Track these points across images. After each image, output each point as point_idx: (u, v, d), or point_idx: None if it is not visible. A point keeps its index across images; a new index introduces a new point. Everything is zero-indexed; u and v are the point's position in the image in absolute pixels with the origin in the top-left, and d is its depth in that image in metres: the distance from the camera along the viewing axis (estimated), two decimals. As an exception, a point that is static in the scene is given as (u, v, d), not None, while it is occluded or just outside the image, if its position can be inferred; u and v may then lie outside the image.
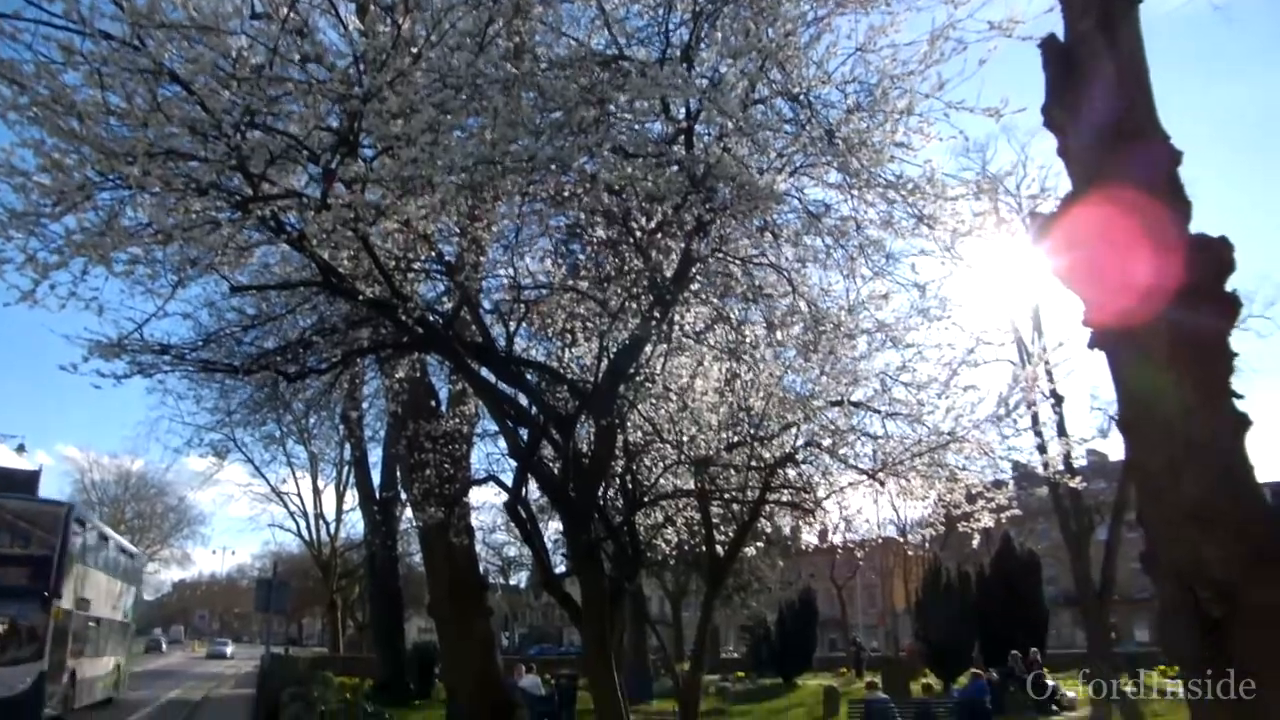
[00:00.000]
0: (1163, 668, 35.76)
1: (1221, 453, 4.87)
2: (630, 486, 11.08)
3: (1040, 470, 17.51)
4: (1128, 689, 30.15)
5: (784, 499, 10.95)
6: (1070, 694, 26.63)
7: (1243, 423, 4.98)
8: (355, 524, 53.86)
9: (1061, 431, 39.32)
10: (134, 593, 31.92)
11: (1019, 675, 25.96)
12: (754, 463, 10.49)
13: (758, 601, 40.32)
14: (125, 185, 5.89)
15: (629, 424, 11.00)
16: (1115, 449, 39.51)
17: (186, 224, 6.25)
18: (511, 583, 74.61)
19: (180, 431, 51.20)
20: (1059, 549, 44.56)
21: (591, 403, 9.34)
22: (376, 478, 29.15)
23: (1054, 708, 24.43)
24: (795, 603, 38.12)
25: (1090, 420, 40.17)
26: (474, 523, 18.89)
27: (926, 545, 60.37)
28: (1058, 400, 38.53)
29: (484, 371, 9.90)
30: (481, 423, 13.36)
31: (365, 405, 22.75)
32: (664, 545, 12.87)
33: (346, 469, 45.45)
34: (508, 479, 12.26)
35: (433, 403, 14.30)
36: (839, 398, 10.91)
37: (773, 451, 10.70)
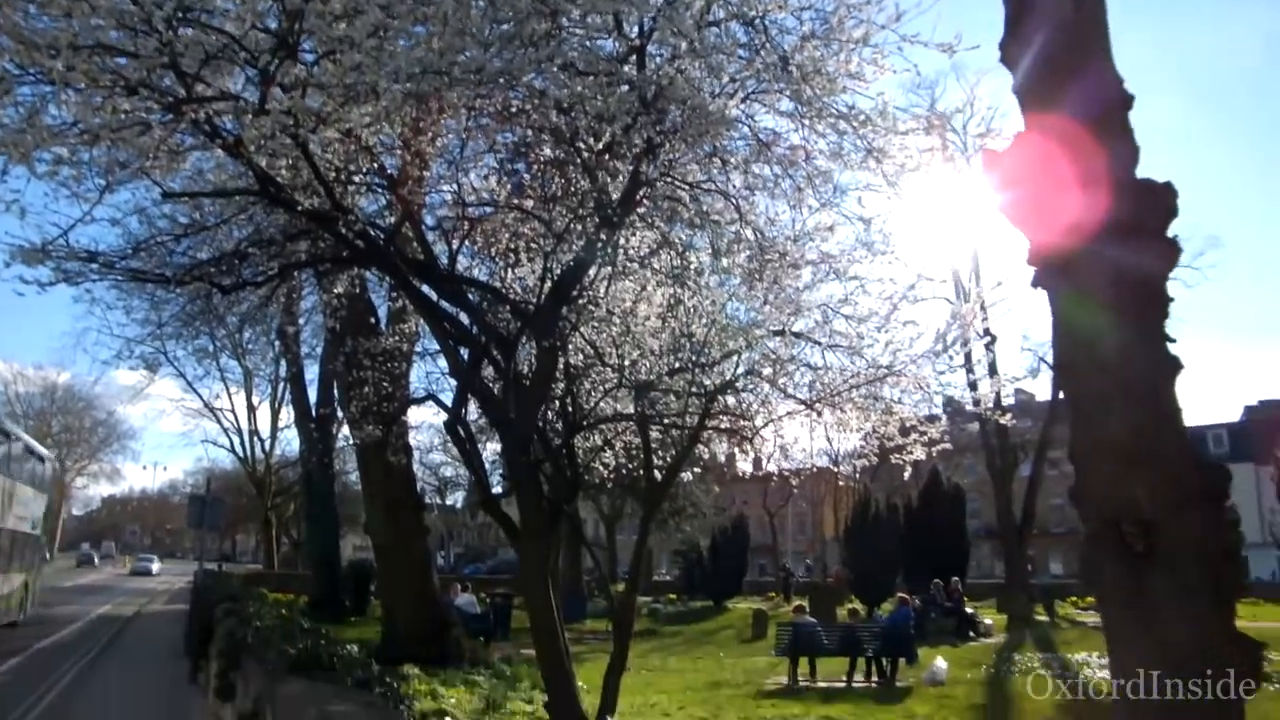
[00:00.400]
0: (1074, 599, 37.53)
1: (1153, 394, 5.00)
2: (570, 409, 11.07)
3: (970, 407, 17.96)
4: (1041, 618, 31.62)
5: (723, 426, 11.03)
6: (987, 621, 27.74)
7: (1174, 366, 5.10)
8: (290, 442, 53.44)
9: (993, 370, 40.38)
10: (45, 502, 30.15)
11: (941, 603, 26.94)
12: (694, 389, 10.53)
13: (691, 526, 41.11)
14: (48, 80, 5.58)
15: (571, 347, 10.95)
16: (1042, 389, 40.67)
17: (115, 124, 5.95)
18: (448, 503, 74.98)
19: (109, 343, 50.03)
20: (984, 484, 46.06)
21: (534, 324, 9.25)
22: (313, 395, 28.81)
23: (972, 634, 25.39)
24: (728, 528, 38.98)
25: (1020, 360, 41.00)
26: (412, 442, 18.77)
27: (857, 476, 61.96)
28: (991, 340, 39.46)
29: (425, 289, 9.73)
30: (421, 341, 13.21)
31: (302, 321, 22.33)
32: (602, 469, 12.93)
33: (282, 386, 44.90)
34: (447, 399, 12.20)
35: (372, 320, 14.06)
36: (781, 327, 10.96)
37: (713, 379, 10.75)
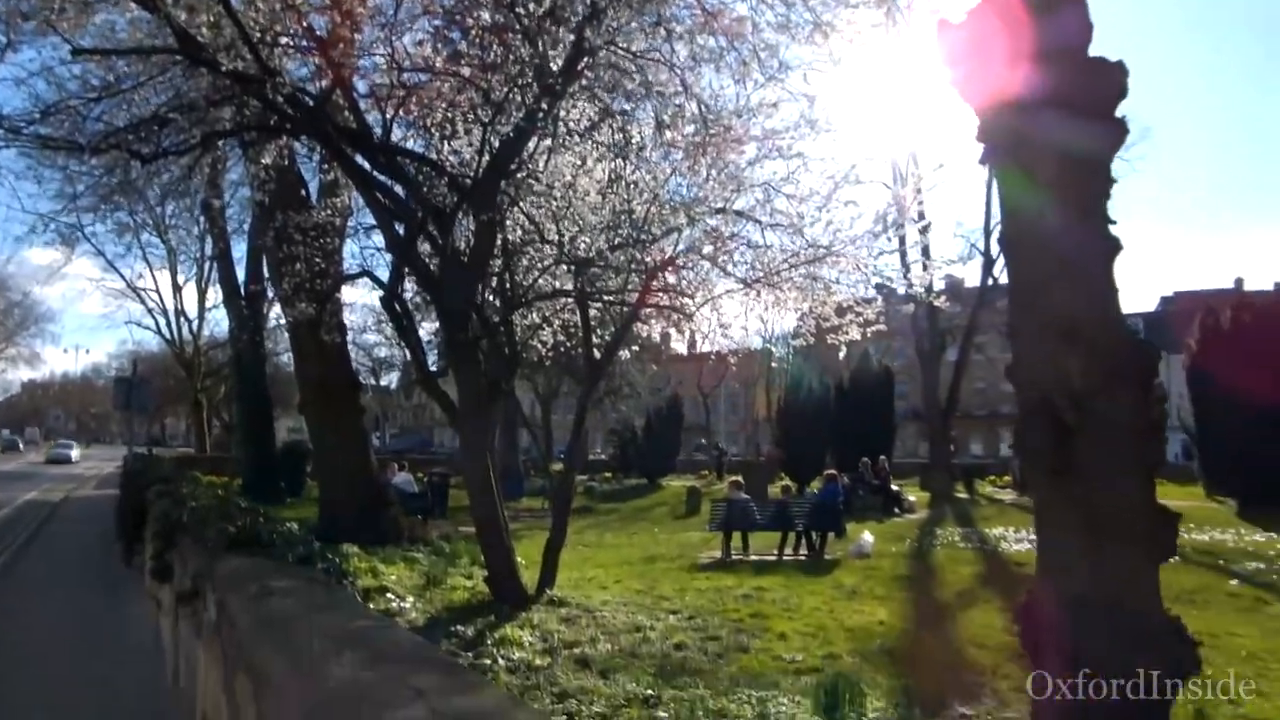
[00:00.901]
0: (993, 478, 39.04)
1: (1092, 273, 5.07)
2: (508, 286, 10.93)
3: (902, 290, 18.17)
4: (962, 495, 33.00)
5: (663, 303, 11.01)
6: (911, 498, 28.82)
7: (1114, 247, 5.16)
8: (219, 322, 52.09)
9: (926, 255, 40.81)
10: None
11: (868, 481, 27.85)
12: (635, 266, 10.45)
13: (627, 406, 41.52)
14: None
15: (509, 222, 10.73)
16: (972, 275, 41.37)
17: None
18: (382, 384, 74.56)
19: (21, 219, 47.73)
20: (912, 367, 47.31)
21: (471, 197, 9.02)
22: (241, 273, 27.96)
23: (896, 510, 26.35)
24: (663, 408, 39.54)
25: (952, 246, 41.60)
26: (345, 322, 18.40)
27: (790, 358, 62.79)
28: (925, 225, 39.75)
29: (359, 160, 9.36)
30: (355, 216, 12.79)
31: (228, 196, 21.42)
32: (540, 347, 12.89)
33: (209, 264, 43.52)
34: (382, 275, 11.92)
35: (302, 193, 13.54)
36: (723, 205, 10.87)
37: (654, 256, 10.68)
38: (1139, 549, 4.92)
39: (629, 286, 10.66)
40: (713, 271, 11.53)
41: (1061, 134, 5.03)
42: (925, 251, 39.47)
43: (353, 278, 12.09)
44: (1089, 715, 4.78)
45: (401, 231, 9.62)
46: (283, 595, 4.49)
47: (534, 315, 12.76)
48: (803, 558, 16.20)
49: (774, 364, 62.43)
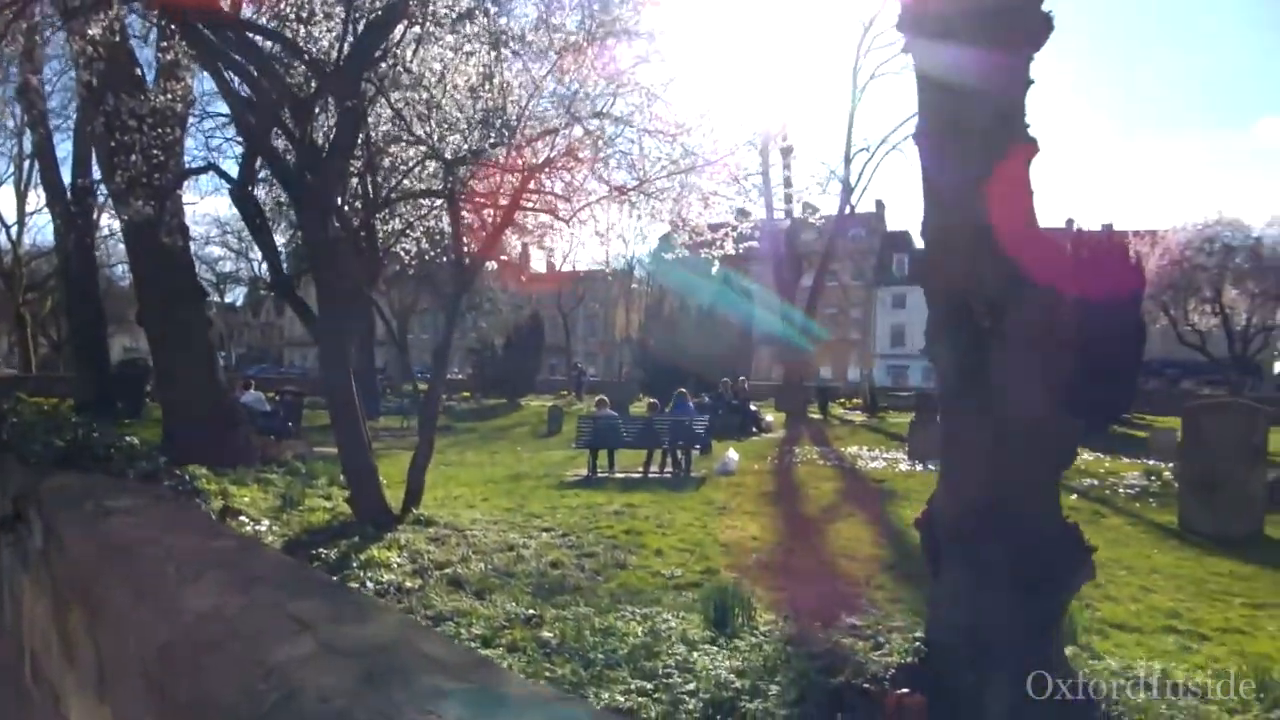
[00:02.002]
0: (843, 400, 40.32)
1: (1010, 175, 4.90)
2: (372, 185, 10.11)
3: (765, 214, 18.02)
4: (816, 416, 33.97)
5: (538, 207, 10.43)
6: (769, 418, 29.43)
7: (1031, 148, 4.99)
8: (43, 229, 47.74)
9: (788, 182, 41.21)
10: None
11: (728, 401, 28.18)
12: (509, 167, 9.82)
13: (487, 324, 40.52)
14: None
15: (371, 118, 9.89)
16: (829, 205, 42.09)
17: None
18: (227, 301, 70.68)
19: None
20: (770, 291, 48.14)
21: (333, 83, 8.16)
22: (67, 174, 25.29)
23: (754, 429, 26.81)
24: (523, 327, 38.89)
25: (812, 173, 42.17)
26: (187, 224, 16.77)
27: (650, 279, 62.97)
28: (789, 150, 40.07)
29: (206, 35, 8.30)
30: (200, 103, 11.50)
31: (49, 86, 19.14)
32: (403, 255, 12.14)
33: (28, 162, 39.47)
34: (231, 173, 10.84)
35: (136, 73, 12.05)
36: (602, 108, 10.36)
37: (527, 158, 10.07)
38: (1043, 458, 4.87)
39: (503, 189, 10.02)
40: (590, 179, 11.02)
41: (987, 26, 4.78)
42: (787, 180, 40.11)
43: (197, 172, 10.92)
44: (985, 620, 4.75)
45: (254, 120, 8.65)
46: (125, 515, 3.87)
47: (396, 222, 11.97)
48: (668, 475, 16.21)
49: (635, 285, 62.55)
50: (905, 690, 4.53)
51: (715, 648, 5.47)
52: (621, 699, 4.48)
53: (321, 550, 8.35)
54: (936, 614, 5.00)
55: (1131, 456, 21.46)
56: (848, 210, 41.96)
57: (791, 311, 41.68)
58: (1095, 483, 16.78)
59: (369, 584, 7.25)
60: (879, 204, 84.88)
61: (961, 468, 4.86)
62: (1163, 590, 8.73)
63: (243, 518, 9.21)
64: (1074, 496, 15.06)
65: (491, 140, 9.65)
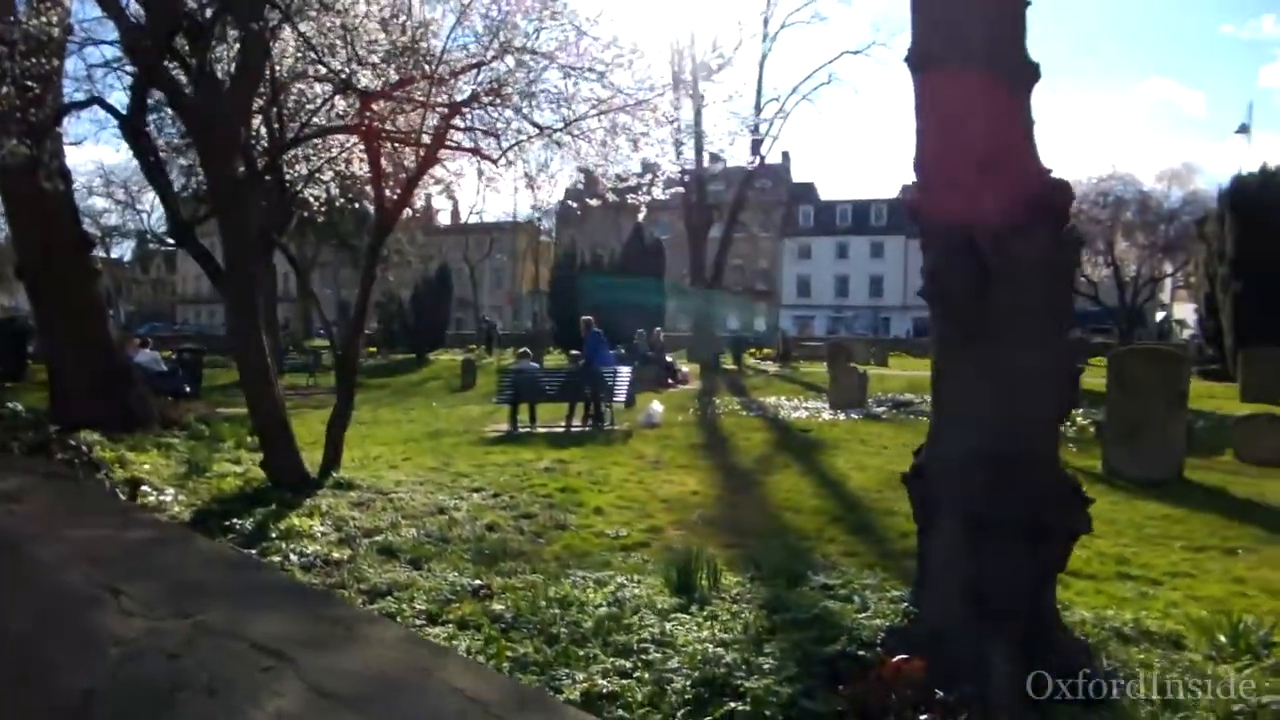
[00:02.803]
0: (753, 350, 40.46)
1: (1013, 99, 4.51)
2: (278, 123, 9.22)
3: (677, 167, 17.41)
4: (730, 367, 33.97)
5: (464, 145, 9.68)
6: (684, 369, 29.23)
7: (1034, 73, 4.61)
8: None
9: (699, 131, 40.77)
10: None
11: (644, 353, 27.82)
12: (432, 102, 9.05)
13: (395, 276, 39.04)
14: None
15: (275, 47, 8.99)
16: (739, 154, 41.87)
17: None
18: (114, 255, 66.86)
19: None
20: (680, 241, 47.83)
21: (233, 3, 7.28)
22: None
23: (670, 381, 26.56)
24: (431, 279, 37.66)
25: (722, 124, 41.64)
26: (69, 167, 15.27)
27: (554, 232, 62.09)
28: (701, 100, 39.51)
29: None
30: (79, 28, 10.23)
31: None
32: (312, 200, 11.26)
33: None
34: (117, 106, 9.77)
35: (1, -3, 10.67)
36: (526, 41, 9.66)
37: (451, 93, 9.32)
38: (1048, 402, 4.56)
39: (425, 126, 9.23)
40: (515, 118, 10.32)
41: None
42: (698, 134, 39.58)
43: (79, 106, 9.71)
44: (987, 574, 4.45)
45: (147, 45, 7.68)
46: (11, 502, 3.20)
47: (303, 166, 11.07)
48: (590, 428, 15.77)
49: (542, 237, 61.60)
50: (903, 656, 4.20)
51: (688, 616, 5.06)
52: (602, 681, 4.02)
53: (235, 520, 7.63)
54: (930, 571, 4.68)
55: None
56: (757, 161, 41.82)
57: (702, 263, 41.55)
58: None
59: (293, 556, 6.60)
60: (785, 156, 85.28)
61: (961, 416, 4.51)
62: (1105, 535, 8.63)
63: (145, 488, 8.40)
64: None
65: (414, 73, 8.85)
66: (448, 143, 9.25)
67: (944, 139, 4.49)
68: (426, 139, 9.20)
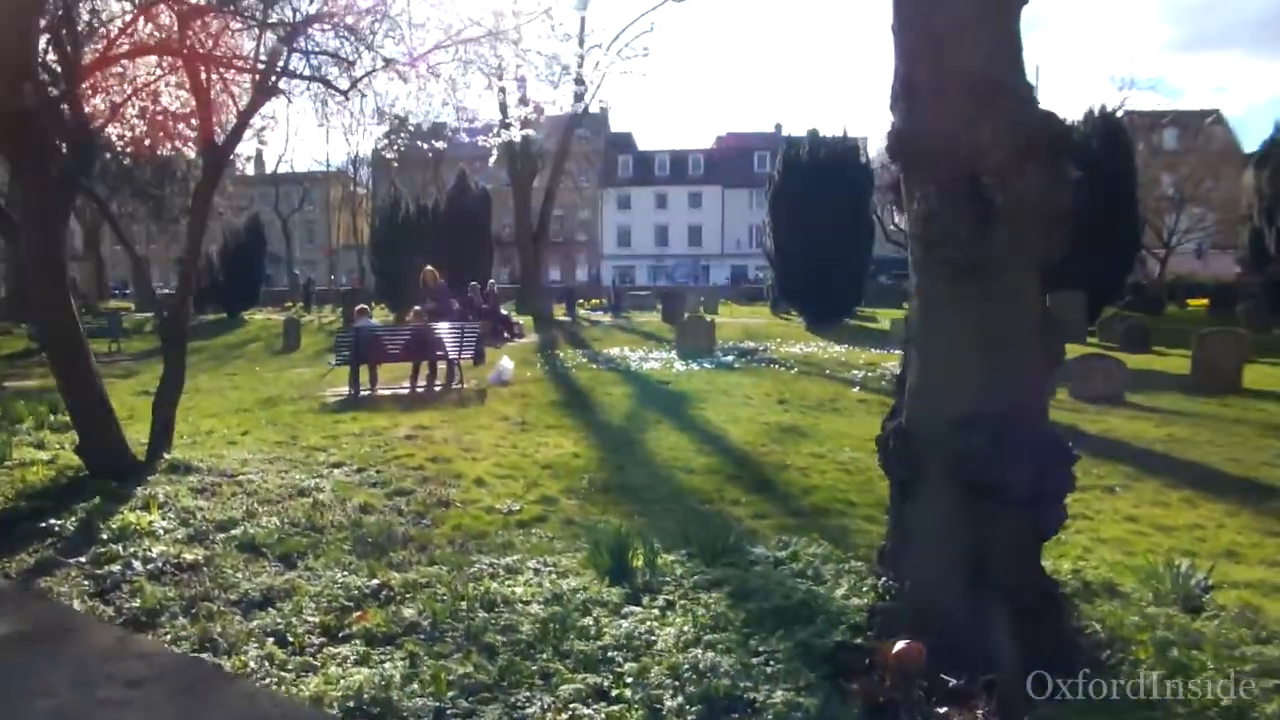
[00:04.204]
0: (582, 300, 39.85)
1: (1007, 19, 4.02)
2: (71, 43, 7.70)
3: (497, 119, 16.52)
4: (563, 318, 33.27)
5: (306, 73, 8.39)
6: (520, 322, 28.29)
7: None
8: None
9: (520, 81, 39.41)
10: None
11: (478, 305, 26.66)
12: (270, 21, 7.76)
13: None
14: None
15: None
16: (561, 100, 40.88)
17: None
18: None
19: None
20: (503, 192, 46.42)
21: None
22: None
23: (507, 335, 25.65)
24: (241, 233, 34.70)
25: (538, 71, 40.35)
26: None
27: (369, 183, 59.09)
28: (517, 41, 38.10)
29: None
30: None
31: None
32: (116, 140, 9.71)
33: None
34: None
35: None
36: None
37: (290, 12, 8.05)
38: (1043, 356, 4.16)
39: (262, 50, 7.92)
40: (360, 49, 9.13)
41: None
42: (520, 81, 38.22)
43: None
44: (983, 542, 4.05)
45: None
46: None
47: (99, 100, 9.45)
48: (439, 389, 14.77)
49: (360, 189, 58.43)
50: (902, 642, 3.74)
51: (640, 609, 4.41)
52: (586, 710, 3.32)
53: (52, 521, 6.32)
54: (915, 541, 4.24)
55: (878, 348, 22.52)
56: (583, 109, 41.01)
57: (527, 213, 40.40)
58: (866, 374, 17.22)
59: (136, 562, 5.49)
60: (603, 105, 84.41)
61: (955, 373, 4.04)
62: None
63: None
64: (855, 389, 15.29)
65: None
66: (290, 71, 7.99)
67: (933, 61, 3.95)
68: (262, 66, 7.91)
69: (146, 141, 10.20)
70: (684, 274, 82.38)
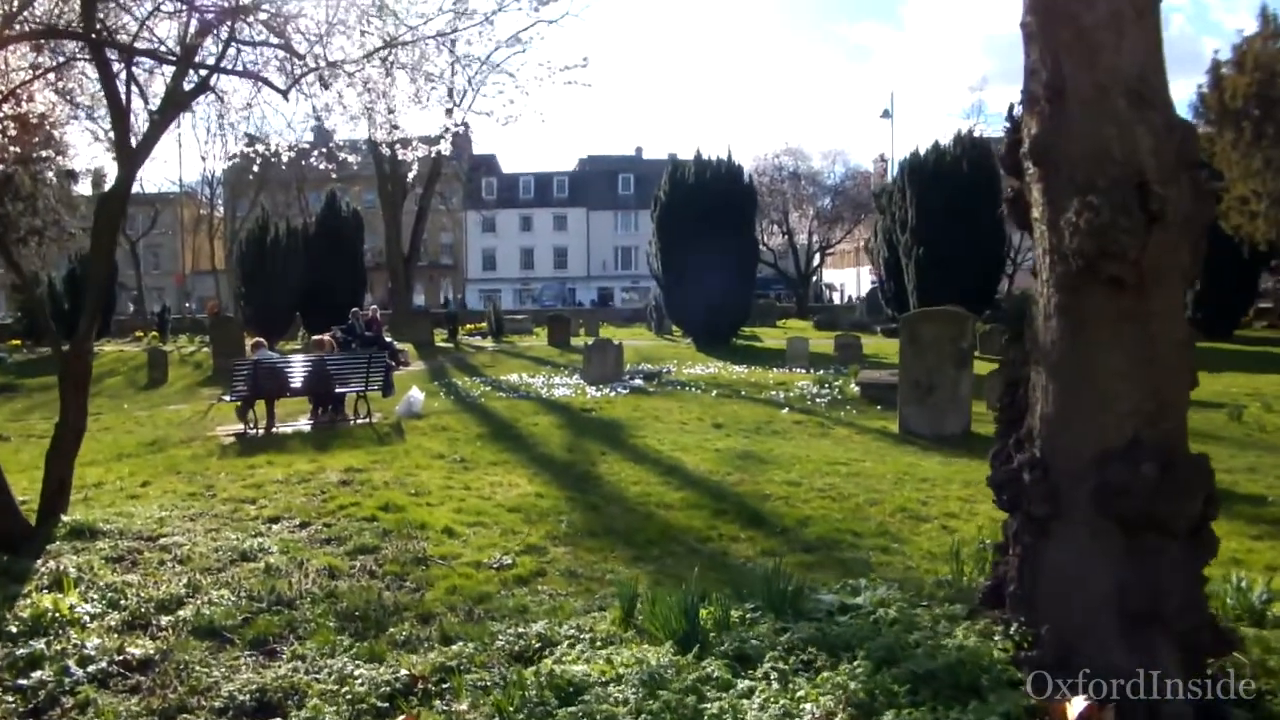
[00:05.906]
0: (470, 326, 38.71)
1: (1143, 20, 3.62)
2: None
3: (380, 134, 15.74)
4: (445, 345, 32.10)
5: (239, 71, 7.24)
6: (404, 349, 27.02)
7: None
8: None
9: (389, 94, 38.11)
10: None
11: (361, 333, 25.29)
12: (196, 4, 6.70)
13: (45, 252, 32.04)
14: None
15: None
16: (427, 124, 39.83)
17: None
18: None
19: None
20: (375, 215, 44.73)
21: None
22: None
23: (393, 363, 24.37)
24: (89, 257, 31.80)
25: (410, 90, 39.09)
26: None
27: (222, 204, 55.97)
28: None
29: None
30: None
31: None
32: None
33: None
34: None
35: None
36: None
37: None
38: (1188, 373, 3.77)
39: (189, 37, 6.81)
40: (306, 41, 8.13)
41: None
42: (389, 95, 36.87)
43: None
44: (1142, 581, 3.60)
45: None
46: None
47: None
48: (342, 423, 13.64)
49: (216, 212, 55.22)
50: (1088, 700, 3.26)
51: (747, 683, 3.73)
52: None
53: (-58, 612, 5.12)
54: (1055, 583, 3.76)
55: (779, 367, 22.45)
56: (452, 130, 39.86)
57: (398, 235, 38.99)
58: (784, 394, 16.98)
59: (70, 663, 4.39)
60: (466, 126, 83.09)
61: (1103, 398, 3.60)
62: (984, 499, 8.19)
63: None
64: (785, 411, 14.98)
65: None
66: (223, 66, 6.93)
67: (1085, 62, 3.53)
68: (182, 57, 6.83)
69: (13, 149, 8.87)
70: (551, 297, 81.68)
